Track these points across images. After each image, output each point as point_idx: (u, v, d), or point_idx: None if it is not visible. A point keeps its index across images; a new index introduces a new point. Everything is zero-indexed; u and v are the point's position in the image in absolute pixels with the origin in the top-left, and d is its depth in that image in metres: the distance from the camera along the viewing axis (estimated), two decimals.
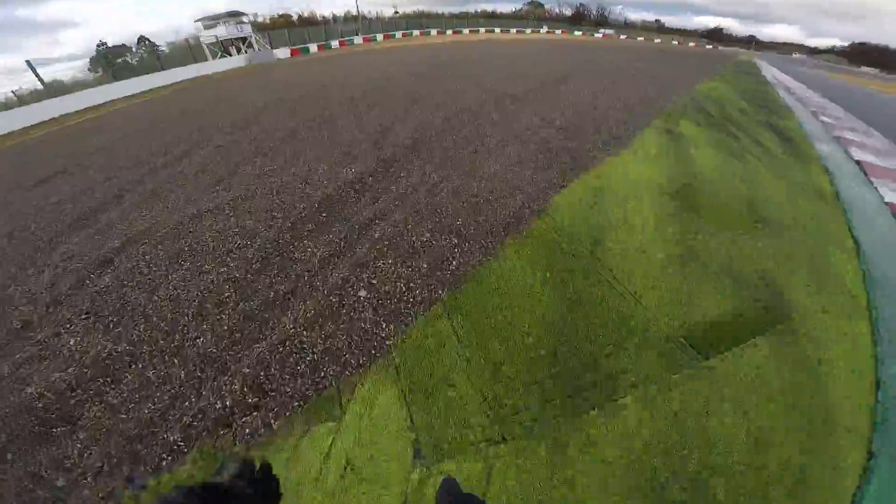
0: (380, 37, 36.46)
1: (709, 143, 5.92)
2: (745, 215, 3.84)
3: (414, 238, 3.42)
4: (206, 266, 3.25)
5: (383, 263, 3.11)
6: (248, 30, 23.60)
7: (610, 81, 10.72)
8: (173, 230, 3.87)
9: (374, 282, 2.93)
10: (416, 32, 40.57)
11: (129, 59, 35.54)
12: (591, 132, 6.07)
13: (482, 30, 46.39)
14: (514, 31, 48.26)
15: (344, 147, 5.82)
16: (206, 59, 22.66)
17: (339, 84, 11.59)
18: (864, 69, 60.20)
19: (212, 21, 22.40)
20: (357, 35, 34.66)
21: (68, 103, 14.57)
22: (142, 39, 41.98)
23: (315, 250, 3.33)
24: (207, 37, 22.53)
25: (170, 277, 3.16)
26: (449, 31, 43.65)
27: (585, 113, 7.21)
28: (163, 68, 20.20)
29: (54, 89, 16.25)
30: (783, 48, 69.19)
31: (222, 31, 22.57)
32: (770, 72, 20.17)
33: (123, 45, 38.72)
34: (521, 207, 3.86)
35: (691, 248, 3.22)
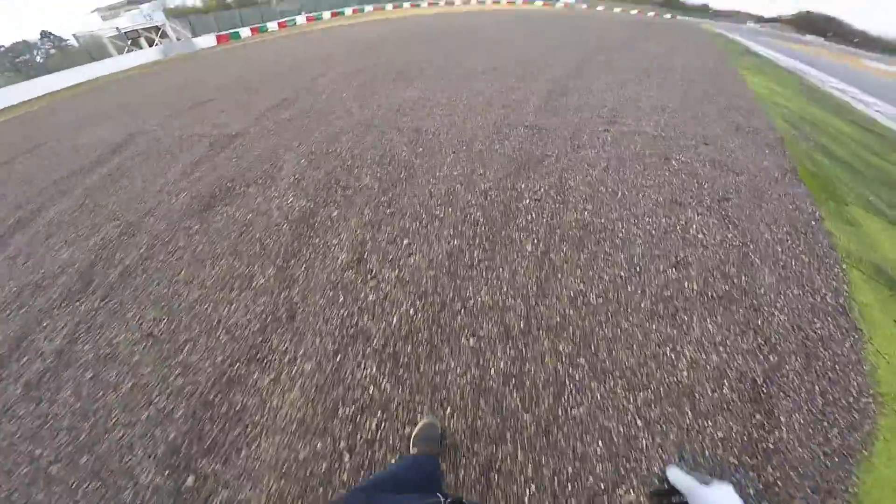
0: (326, 14, 32.04)
1: None
2: None
3: None
4: None
5: None
6: (159, 17, 18.99)
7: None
8: None
9: None
10: (369, 7, 35.98)
11: (33, 56, 29.12)
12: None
13: (442, 1, 42.31)
14: (473, 0, 44.52)
15: None
16: (110, 56, 18.13)
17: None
18: (809, 37, 62.68)
19: (111, 11, 17.70)
20: (300, 14, 29.95)
21: None
22: (45, 34, 34.32)
23: None
24: (107, 29, 17.82)
25: None
26: (406, 4, 39.21)
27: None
28: (48, 71, 15.92)
29: None
30: (737, 17, 70.02)
31: (125, 22, 17.93)
32: (758, 48, 19.29)
33: (24, 42, 31.43)
34: None
35: None
